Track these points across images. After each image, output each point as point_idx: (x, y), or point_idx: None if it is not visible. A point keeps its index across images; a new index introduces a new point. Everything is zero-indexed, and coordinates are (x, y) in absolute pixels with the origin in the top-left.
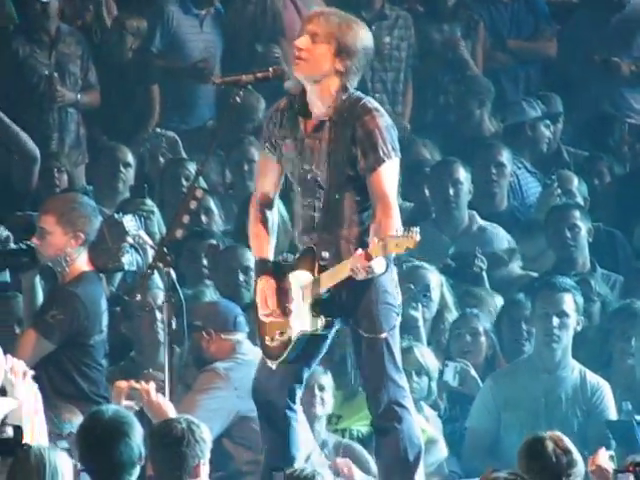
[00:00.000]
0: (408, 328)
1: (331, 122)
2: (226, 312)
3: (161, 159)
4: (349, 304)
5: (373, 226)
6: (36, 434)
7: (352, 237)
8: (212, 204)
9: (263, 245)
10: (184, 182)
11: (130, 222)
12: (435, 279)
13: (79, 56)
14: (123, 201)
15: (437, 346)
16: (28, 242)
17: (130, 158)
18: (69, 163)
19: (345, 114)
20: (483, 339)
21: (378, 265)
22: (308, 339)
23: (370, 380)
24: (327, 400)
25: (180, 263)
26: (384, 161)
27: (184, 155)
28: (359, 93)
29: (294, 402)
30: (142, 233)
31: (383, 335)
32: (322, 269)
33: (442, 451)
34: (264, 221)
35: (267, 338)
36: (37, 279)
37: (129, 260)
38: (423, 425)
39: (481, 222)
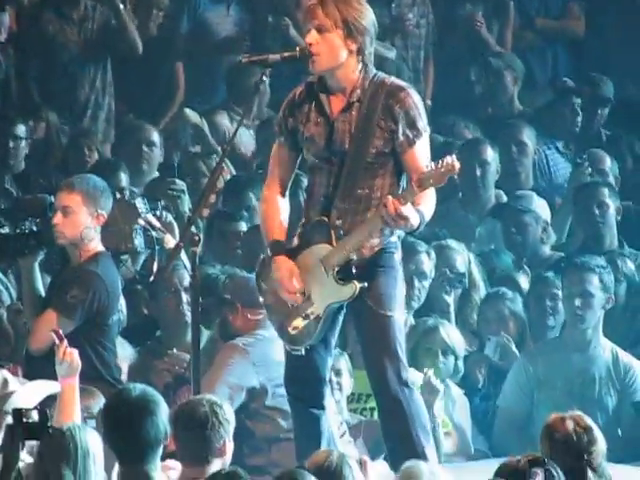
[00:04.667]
0: (439, 312)
1: (360, 103)
2: (254, 289)
3: (191, 149)
4: (365, 280)
5: None
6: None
7: None
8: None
9: (276, 227)
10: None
11: (141, 204)
12: (462, 259)
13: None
14: (153, 180)
15: (464, 325)
16: (32, 225)
17: (155, 137)
18: (99, 142)
19: (374, 93)
20: (512, 319)
21: (411, 213)
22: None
23: (378, 360)
24: (344, 384)
25: (210, 243)
26: (422, 135)
27: (211, 140)
28: (381, 73)
29: (326, 391)
30: (150, 216)
31: (397, 314)
32: (338, 236)
33: (451, 447)
34: (278, 206)
35: (290, 328)
36: (37, 263)
37: (140, 242)
38: (445, 418)
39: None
